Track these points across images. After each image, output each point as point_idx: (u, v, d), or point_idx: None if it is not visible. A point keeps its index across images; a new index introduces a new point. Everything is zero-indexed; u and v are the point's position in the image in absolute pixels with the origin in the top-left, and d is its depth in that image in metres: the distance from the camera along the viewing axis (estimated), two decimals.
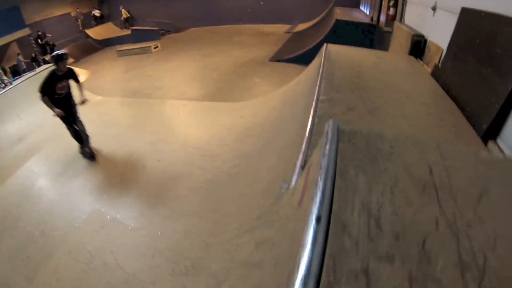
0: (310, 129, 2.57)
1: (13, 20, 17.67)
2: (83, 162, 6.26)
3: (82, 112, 6.48)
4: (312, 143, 2.40)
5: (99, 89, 10.50)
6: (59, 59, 5.59)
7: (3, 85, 9.69)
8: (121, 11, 22.92)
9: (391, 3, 7.05)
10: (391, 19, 6.97)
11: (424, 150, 1.61)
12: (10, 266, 4.45)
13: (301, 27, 14.07)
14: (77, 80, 6.02)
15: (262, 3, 17.22)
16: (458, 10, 3.63)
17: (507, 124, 2.56)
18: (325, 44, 4.68)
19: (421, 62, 4.61)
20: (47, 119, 8.38)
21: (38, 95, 5.88)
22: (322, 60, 3.86)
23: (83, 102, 5.99)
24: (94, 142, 6.57)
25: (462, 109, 3.05)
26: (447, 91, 3.42)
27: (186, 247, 3.48)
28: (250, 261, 2.50)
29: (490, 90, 2.75)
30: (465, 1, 3.55)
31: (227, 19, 18.16)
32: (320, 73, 3.46)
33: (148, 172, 5.26)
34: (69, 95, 6.03)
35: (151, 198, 4.65)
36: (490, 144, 2.64)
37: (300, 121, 3.28)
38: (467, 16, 3.50)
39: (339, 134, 1.64)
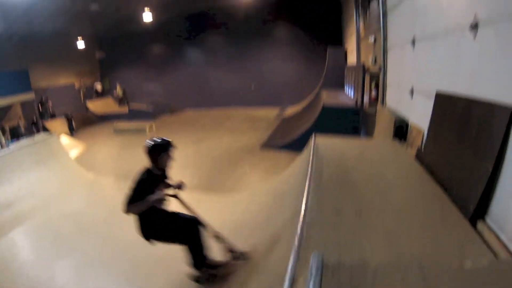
0: (299, 239, 2.49)
1: (20, 82, 18.34)
2: (72, 240, 6.04)
3: (73, 190, 6.26)
4: (300, 257, 2.27)
5: (93, 165, 10.57)
6: (165, 149, 4.05)
7: (0, 147, 9.49)
8: (117, 88, 23.95)
9: (373, 85, 7.28)
10: (374, 101, 7.15)
11: (407, 274, 1.71)
12: None
13: (291, 110, 14.46)
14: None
15: (253, 87, 17.87)
16: (433, 94, 3.71)
17: (493, 202, 2.52)
18: (313, 135, 4.73)
19: (405, 144, 4.62)
20: (38, 188, 8.43)
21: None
22: (311, 157, 3.88)
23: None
24: (82, 226, 6.47)
25: (447, 191, 3.00)
26: (432, 174, 3.38)
27: None
28: None
29: (472, 172, 2.74)
30: (438, 85, 3.66)
31: (219, 101, 18.82)
32: (308, 173, 3.45)
33: (135, 265, 5.05)
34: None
35: (138, 280, 4.56)
36: (480, 224, 2.55)
37: (289, 225, 3.20)
38: (442, 100, 3.57)
39: (323, 268, 1.70)
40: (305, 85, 15.74)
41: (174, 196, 4.18)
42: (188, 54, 20.33)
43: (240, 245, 4.39)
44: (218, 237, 3.96)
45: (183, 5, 17.33)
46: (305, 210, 2.80)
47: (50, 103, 19.99)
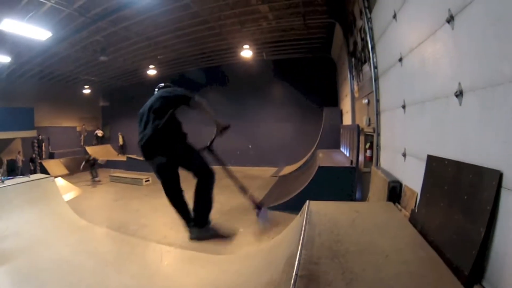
0: None
1: (24, 119, 19.33)
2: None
3: (62, 235, 6.04)
4: None
5: (85, 213, 10.40)
6: None
7: None
8: (118, 136, 24.62)
9: (367, 145, 7.35)
10: (368, 160, 7.18)
11: None
12: None
13: (287, 169, 14.45)
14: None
15: (250, 146, 17.99)
16: (425, 157, 3.77)
17: (489, 265, 2.49)
18: (307, 202, 4.75)
19: (399, 206, 4.59)
20: (26, 229, 8.24)
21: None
22: (304, 224, 3.89)
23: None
24: (66, 274, 6.26)
25: (441, 255, 2.95)
26: (425, 237, 3.36)
27: None
28: None
29: (465, 235, 2.73)
30: (429, 149, 3.73)
31: (215, 160, 18.84)
32: (300, 241, 3.44)
33: None
34: None
35: None
36: None
37: None
38: (433, 163, 3.61)
39: None
40: (301, 144, 15.89)
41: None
42: (186, 111, 20.73)
43: None
44: (242, 188, 4.67)
45: (185, 62, 18.03)
46: (295, 280, 2.75)
47: (45, 144, 20.20)
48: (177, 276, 5.97)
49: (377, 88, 6.55)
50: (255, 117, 18.31)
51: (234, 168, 14.91)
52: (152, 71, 18.72)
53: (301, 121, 16.92)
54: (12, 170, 16.85)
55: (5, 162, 17.64)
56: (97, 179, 17.03)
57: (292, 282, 2.75)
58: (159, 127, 4.01)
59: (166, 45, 14.76)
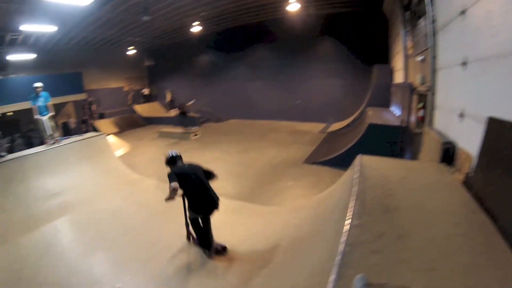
0: (341, 259, 2.51)
1: (74, 83, 20.61)
2: (111, 236, 6.38)
3: (116, 187, 6.56)
4: (343, 275, 2.31)
5: (137, 167, 11.08)
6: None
7: (53, 141, 10.29)
8: (166, 94, 24.90)
9: (420, 105, 7.10)
10: (420, 121, 6.96)
11: None
12: None
13: (335, 126, 14.26)
14: None
15: (298, 102, 17.77)
16: (485, 119, 3.57)
17: None
18: (359, 156, 4.68)
19: (452, 169, 4.45)
20: (82, 183, 9.19)
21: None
22: (355, 177, 3.88)
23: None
24: (120, 222, 6.87)
25: (495, 221, 2.88)
26: (480, 202, 3.24)
27: None
28: None
29: None
30: (491, 111, 3.51)
31: (264, 114, 18.95)
32: (353, 193, 3.45)
33: (171, 266, 5.21)
34: None
35: (173, 280, 4.69)
36: None
37: (331, 244, 3.17)
38: (494, 126, 3.41)
39: None
40: (350, 102, 15.44)
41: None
42: (234, 66, 20.73)
43: (279, 256, 4.52)
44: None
45: (228, 18, 17.74)
46: (348, 230, 2.81)
47: (94, 106, 21.09)
48: (226, 225, 6.19)
49: (434, 44, 6.15)
50: (304, 73, 17.81)
51: (282, 123, 14.93)
52: (196, 28, 18.59)
53: (350, 78, 16.29)
54: (67, 132, 17.81)
55: (60, 124, 18.62)
56: (193, 129, 16.71)
57: (345, 230, 2.81)
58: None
59: (209, 1, 14.55)
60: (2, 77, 18.13)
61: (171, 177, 5.03)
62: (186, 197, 5.25)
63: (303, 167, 9.35)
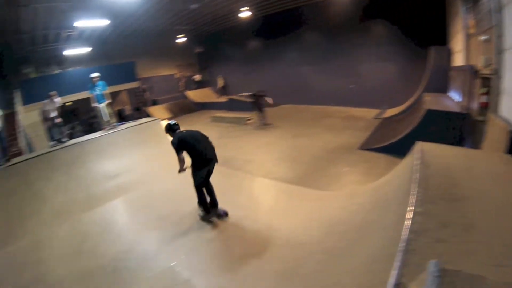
0: (405, 246, 2.52)
1: (127, 72, 21.66)
2: (166, 216, 6.77)
3: (171, 171, 6.99)
4: (407, 262, 2.35)
5: None
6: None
7: (110, 127, 11.12)
8: (218, 79, 25.47)
9: (483, 90, 6.71)
10: (483, 107, 6.59)
11: None
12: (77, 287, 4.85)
13: (390, 112, 13.82)
14: None
15: (351, 86, 17.32)
16: None
17: None
18: (418, 143, 4.56)
19: None
20: (138, 165, 9.81)
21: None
22: (416, 162, 3.80)
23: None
24: (175, 201, 7.34)
25: None
26: None
27: None
28: None
29: None
30: None
31: (317, 99, 18.59)
32: (414, 180, 3.39)
33: (229, 245, 5.39)
34: None
35: (225, 268, 4.73)
36: None
37: (391, 231, 3.20)
38: None
39: (441, 276, 1.71)
40: (405, 87, 14.65)
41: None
42: (285, 50, 20.41)
43: (334, 241, 4.52)
44: None
45: (279, 2, 17.58)
46: (411, 218, 2.78)
47: (147, 94, 22.22)
48: (283, 208, 6.31)
49: (499, 21, 5.61)
50: (356, 56, 17.08)
51: (335, 108, 14.72)
52: (244, 14, 18.61)
53: (404, 61, 15.33)
54: (121, 119, 18.74)
55: (115, 112, 19.69)
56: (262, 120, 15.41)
57: (408, 217, 2.79)
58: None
59: None
60: (60, 70, 19.87)
61: (177, 147, 6.01)
62: (191, 159, 6.18)
63: (358, 153, 9.26)
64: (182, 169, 6.19)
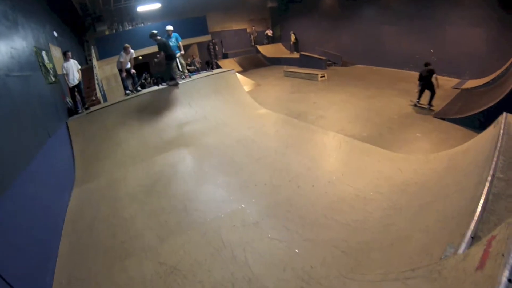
0: (483, 205, 2.61)
1: (199, 27, 22.34)
2: (240, 163, 7.08)
3: (245, 119, 7.75)
4: (484, 219, 2.47)
5: (264, 103, 11.71)
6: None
7: (184, 77, 11.85)
8: (290, 35, 25.12)
9: None
10: None
11: None
12: (148, 222, 5.33)
13: (471, 83, 12.95)
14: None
15: (432, 51, 16.21)
16: None
17: None
18: (504, 113, 4.45)
19: None
20: (213, 113, 10.38)
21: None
22: (500, 132, 3.77)
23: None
24: (250, 150, 7.58)
25: None
26: None
27: (322, 274, 3.55)
28: None
29: None
30: None
31: (393, 62, 17.72)
32: (497, 148, 3.41)
33: (300, 194, 5.53)
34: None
35: (296, 217, 4.83)
36: None
37: (469, 193, 3.27)
38: None
39: None
40: (493, 57, 13.32)
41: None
42: (363, 9, 19.43)
43: (406, 201, 4.59)
44: None
45: None
46: (490, 181, 2.86)
47: (218, 46, 22.47)
48: (355, 165, 6.45)
49: None
50: (442, 19, 15.41)
51: (412, 73, 14.11)
52: None
53: (495, 29, 13.54)
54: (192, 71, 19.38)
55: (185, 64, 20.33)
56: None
57: (487, 182, 2.88)
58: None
59: None
60: (131, 27, 21.12)
61: (160, 47, 10.52)
62: (166, 59, 10.65)
63: (433, 121, 9.08)
64: (158, 60, 10.47)
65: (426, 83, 10.22)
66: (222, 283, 3.69)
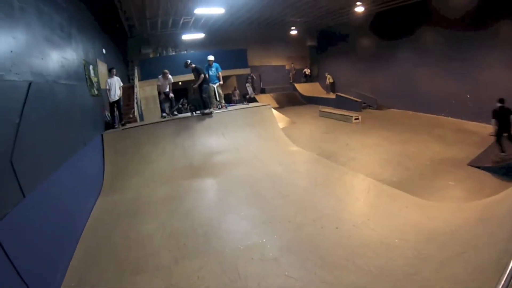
0: None
1: (239, 59, 22.97)
2: (267, 196, 7.06)
3: (277, 155, 8.24)
4: None
5: (297, 141, 11.76)
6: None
7: (220, 107, 12.12)
8: (326, 76, 25.38)
9: None
10: None
11: None
12: (166, 242, 5.37)
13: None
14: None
15: (468, 96, 15.60)
16: None
17: None
18: None
19: None
20: (245, 146, 10.48)
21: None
22: None
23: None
24: (279, 186, 7.47)
25: None
26: None
27: None
28: None
29: None
30: None
31: (428, 107, 17.21)
32: None
33: (323, 234, 5.36)
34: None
35: (317, 258, 4.65)
36: None
37: (502, 245, 3.15)
38: None
39: None
40: None
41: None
42: (399, 51, 19.35)
43: (434, 250, 4.34)
44: None
45: None
46: None
47: (255, 81, 23.36)
48: (382, 209, 6.22)
49: None
50: (477, 61, 14.54)
51: (447, 119, 13.75)
52: (359, 8, 18.16)
53: None
54: (230, 102, 19.87)
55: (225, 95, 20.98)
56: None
57: None
58: None
59: None
60: (175, 53, 22.50)
61: (195, 70, 10.98)
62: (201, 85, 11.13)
63: (467, 169, 8.76)
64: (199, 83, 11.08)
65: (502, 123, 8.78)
66: None
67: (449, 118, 15.59)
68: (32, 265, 3.79)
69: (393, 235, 5.08)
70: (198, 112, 11.61)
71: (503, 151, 8.74)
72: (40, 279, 3.87)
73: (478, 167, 8.69)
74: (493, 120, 9.01)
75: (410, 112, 17.97)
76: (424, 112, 17.35)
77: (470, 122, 14.43)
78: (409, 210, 5.97)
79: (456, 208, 5.61)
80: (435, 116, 16.41)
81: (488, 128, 12.66)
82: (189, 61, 11.36)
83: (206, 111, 11.25)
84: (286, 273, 4.31)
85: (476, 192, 7.03)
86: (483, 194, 6.44)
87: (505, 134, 8.80)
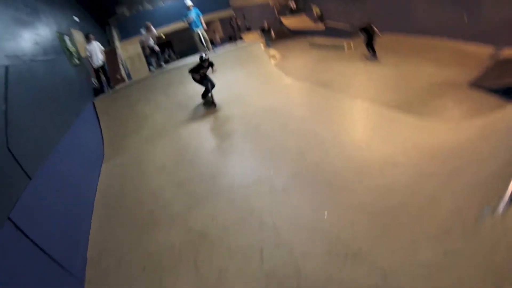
0: None
1: (220, 1, 21.85)
2: (267, 128, 7.24)
3: (271, 89, 8.08)
4: None
5: (290, 73, 11.62)
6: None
7: (207, 51, 12.02)
8: (312, 8, 24.20)
9: None
10: None
11: None
12: (176, 191, 5.52)
13: (509, 52, 12.23)
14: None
15: (465, 17, 14.95)
16: None
17: None
18: None
19: None
20: (238, 84, 10.57)
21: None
22: None
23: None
24: (276, 118, 7.59)
25: None
26: None
27: (350, 237, 3.56)
28: (432, 264, 2.58)
29: None
30: None
31: (422, 28, 15.84)
32: None
33: (327, 159, 5.50)
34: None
35: (324, 183, 4.83)
36: None
37: (504, 157, 3.27)
38: None
39: None
40: None
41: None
42: None
43: (436, 167, 4.48)
44: None
45: None
46: None
47: (239, 20, 22.05)
48: (383, 131, 6.36)
49: None
50: None
51: (441, 40, 13.37)
52: None
53: None
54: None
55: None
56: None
57: None
58: None
59: None
60: (151, 7, 20.80)
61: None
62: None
63: (466, 91, 8.70)
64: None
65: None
66: (250, 247, 3.79)
67: (444, 40, 15.10)
68: (55, 242, 3.89)
69: (397, 155, 5.23)
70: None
71: None
72: (65, 254, 3.99)
73: (480, 87, 8.61)
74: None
75: (403, 36, 17.46)
76: (418, 34, 16.78)
77: (467, 44, 13.92)
78: (410, 131, 6.09)
79: (456, 127, 5.72)
80: (430, 38, 15.92)
81: (486, 50, 12.44)
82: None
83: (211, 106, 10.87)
84: (297, 200, 4.53)
85: (476, 114, 7.03)
86: (484, 114, 6.44)
87: None
